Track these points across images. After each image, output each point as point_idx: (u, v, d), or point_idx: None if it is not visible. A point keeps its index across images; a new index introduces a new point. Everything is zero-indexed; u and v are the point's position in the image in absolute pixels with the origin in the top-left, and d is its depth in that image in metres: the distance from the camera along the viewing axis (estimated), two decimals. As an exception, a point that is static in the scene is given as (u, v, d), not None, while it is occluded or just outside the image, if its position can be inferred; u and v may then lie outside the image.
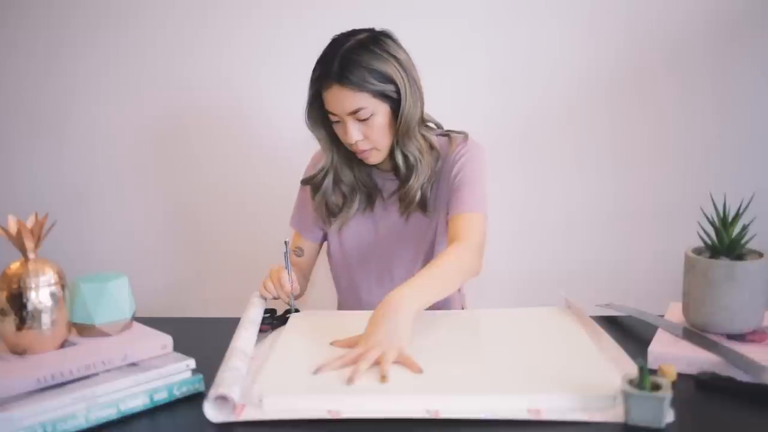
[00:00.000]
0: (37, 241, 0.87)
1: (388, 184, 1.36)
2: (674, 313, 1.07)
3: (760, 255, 0.97)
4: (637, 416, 0.76)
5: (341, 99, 1.20)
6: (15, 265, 0.85)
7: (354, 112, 1.20)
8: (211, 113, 1.84)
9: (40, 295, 0.84)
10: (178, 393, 0.86)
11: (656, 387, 0.77)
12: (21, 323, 0.83)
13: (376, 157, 1.28)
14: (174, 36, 1.80)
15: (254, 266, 1.91)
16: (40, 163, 1.88)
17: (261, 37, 1.79)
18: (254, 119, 1.84)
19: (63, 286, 0.86)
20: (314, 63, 1.23)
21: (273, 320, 1.13)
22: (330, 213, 1.36)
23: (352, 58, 1.19)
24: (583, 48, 1.76)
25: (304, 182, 1.39)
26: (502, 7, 1.74)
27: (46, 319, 0.84)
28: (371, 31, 1.25)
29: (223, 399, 0.80)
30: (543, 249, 1.83)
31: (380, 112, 1.22)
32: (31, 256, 0.86)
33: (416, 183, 1.29)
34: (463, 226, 1.23)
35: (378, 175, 1.36)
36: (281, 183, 1.85)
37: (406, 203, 1.31)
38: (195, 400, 0.85)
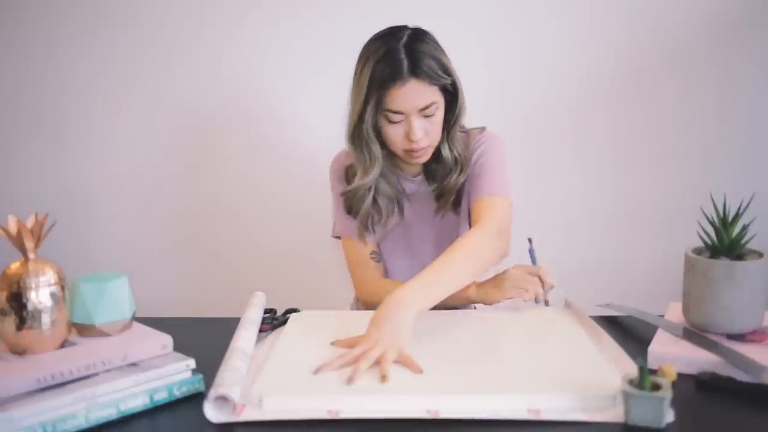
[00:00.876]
0: (37, 241, 0.87)
1: (412, 187, 1.35)
2: (674, 313, 1.07)
3: (760, 255, 0.97)
4: (637, 416, 0.76)
5: (416, 94, 1.15)
6: (15, 265, 0.85)
7: (425, 108, 1.17)
8: (210, 113, 1.84)
9: (40, 295, 0.84)
10: (178, 393, 0.86)
11: (656, 387, 0.77)
12: (21, 323, 0.83)
13: (427, 155, 1.25)
14: (173, 36, 1.80)
15: (254, 266, 1.91)
16: (40, 163, 1.88)
17: (260, 37, 1.79)
18: (254, 119, 1.84)
19: (63, 286, 0.86)
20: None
21: (273, 320, 1.13)
22: (368, 228, 1.32)
23: (420, 50, 1.15)
24: (583, 48, 1.76)
25: (348, 198, 1.31)
26: (502, 7, 1.74)
27: (46, 319, 0.84)
28: (409, 27, 1.22)
29: (223, 399, 0.80)
30: (543, 249, 1.82)
31: (441, 106, 1.21)
32: (31, 256, 0.86)
33: (461, 179, 1.28)
34: (483, 210, 1.22)
35: (404, 180, 1.35)
36: (281, 183, 1.86)
37: (444, 201, 1.30)
38: (195, 400, 0.85)
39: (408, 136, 1.19)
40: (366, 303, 1.35)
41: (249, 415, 0.80)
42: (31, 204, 1.67)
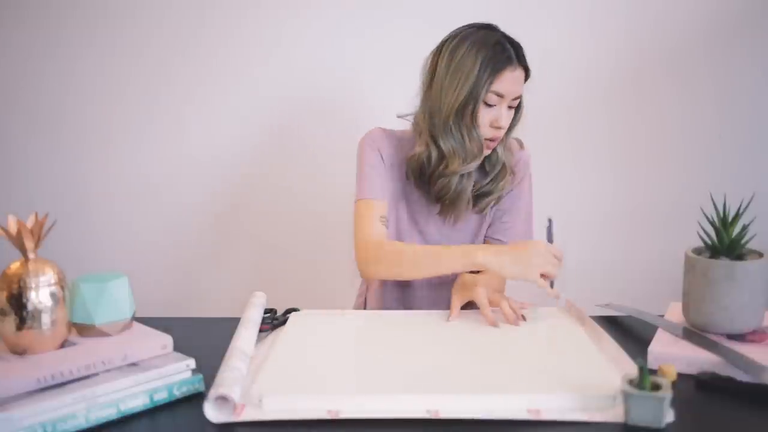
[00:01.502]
0: (37, 241, 0.87)
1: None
2: (674, 313, 1.07)
3: (760, 255, 0.97)
4: (637, 416, 0.76)
5: (518, 82, 1.24)
6: (15, 265, 0.85)
7: (517, 98, 1.26)
8: (210, 112, 1.84)
9: (40, 295, 0.84)
10: (178, 393, 0.86)
11: (656, 387, 0.77)
12: (21, 323, 0.83)
13: (490, 150, 1.29)
14: (171, 35, 1.80)
15: (254, 266, 1.91)
16: (40, 163, 1.88)
17: (259, 36, 1.79)
18: (253, 117, 1.84)
19: (63, 286, 0.86)
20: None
21: (273, 320, 1.13)
22: (451, 209, 1.32)
23: (519, 44, 1.26)
24: (583, 48, 1.76)
25: (451, 174, 1.27)
26: (501, 7, 1.74)
27: (46, 319, 0.84)
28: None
29: (223, 399, 0.80)
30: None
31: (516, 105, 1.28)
32: (31, 256, 0.86)
33: (506, 186, 1.33)
34: None
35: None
36: (283, 182, 1.86)
37: (485, 203, 1.33)
38: (195, 400, 0.85)
39: (495, 122, 1.24)
40: (362, 260, 1.27)
41: (249, 415, 0.80)
42: (31, 204, 1.67)
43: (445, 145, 1.25)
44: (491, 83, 1.21)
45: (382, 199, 1.31)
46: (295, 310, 1.18)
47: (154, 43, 1.81)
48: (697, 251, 1.01)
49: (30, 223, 0.87)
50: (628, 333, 1.08)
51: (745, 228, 0.98)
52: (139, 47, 1.81)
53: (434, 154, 1.27)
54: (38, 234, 0.87)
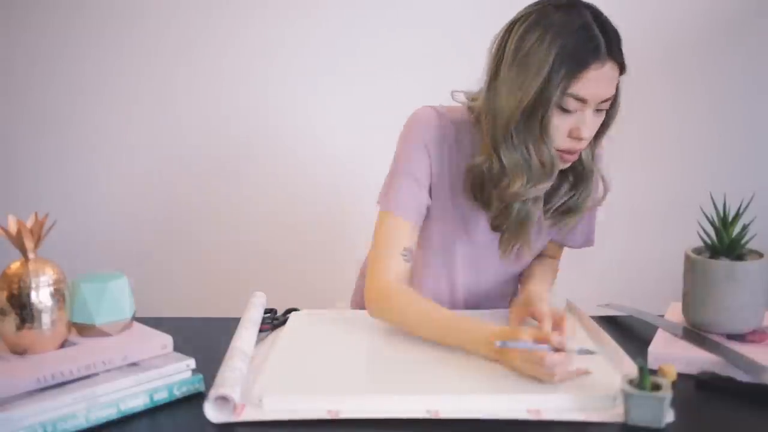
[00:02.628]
0: (37, 241, 0.87)
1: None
2: (674, 313, 1.07)
3: (760, 255, 0.97)
4: (637, 416, 0.76)
5: (607, 81, 0.97)
6: (15, 265, 0.85)
7: (606, 100, 0.98)
8: (213, 113, 1.84)
9: (40, 295, 0.83)
10: (178, 393, 0.86)
11: (656, 387, 0.77)
12: (21, 323, 0.83)
13: (573, 160, 1.03)
14: (178, 37, 1.80)
15: (254, 266, 1.91)
16: (43, 163, 1.88)
17: (266, 37, 1.79)
18: (256, 119, 1.84)
19: (63, 286, 0.86)
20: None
21: (273, 320, 1.13)
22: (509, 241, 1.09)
23: (612, 29, 0.97)
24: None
25: (515, 197, 1.02)
26: (500, 7, 1.74)
27: (46, 319, 0.84)
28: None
29: (223, 399, 0.80)
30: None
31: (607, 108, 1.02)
32: (31, 256, 0.86)
33: (596, 204, 1.11)
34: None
35: None
36: (283, 182, 1.86)
37: (569, 219, 1.10)
38: (195, 400, 0.85)
39: (575, 132, 0.98)
40: (369, 301, 1.08)
41: (249, 415, 0.80)
42: (31, 204, 1.67)
43: (507, 158, 0.99)
44: (568, 84, 0.94)
45: (414, 223, 1.08)
46: (295, 310, 1.18)
47: (159, 45, 1.81)
48: (697, 251, 1.01)
49: (30, 223, 0.87)
50: (628, 333, 1.08)
51: (745, 228, 0.98)
52: (143, 49, 1.81)
53: (496, 166, 1.01)
54: (38, 234, 0.87)
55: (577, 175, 1.07)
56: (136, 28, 1.80)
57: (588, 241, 1.23)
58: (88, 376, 0.82)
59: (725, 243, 0.98)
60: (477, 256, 1.15)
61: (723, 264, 0.95)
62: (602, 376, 0.86)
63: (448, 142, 1.08)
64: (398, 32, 1.71)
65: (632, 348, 0.96)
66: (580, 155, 1.04)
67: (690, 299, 0.99)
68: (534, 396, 0.82)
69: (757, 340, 0.95)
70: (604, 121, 1.03)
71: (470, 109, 1.09)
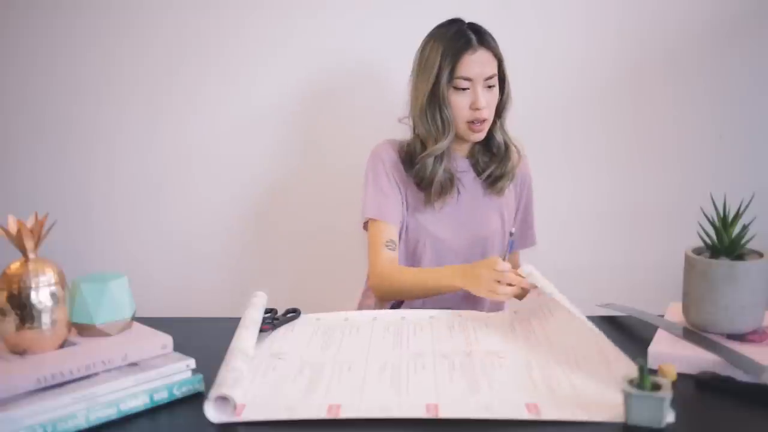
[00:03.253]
0: (37, 241, 0.87)
1: (462, 174, 1.45)
2: (674, 313, 1.07)
3: (760, 255, 0.97)
4: (637, 416, 0.76)
5: (483, 63, 1.35)
6: (15, 265, 0.85)
7: (489, 78, 1.36)
8: (212, 113, 1.84)
9: (40, 295, 0.84)
10: (178, 393, 0.86)
11: (656, 387, 0.77)
12: (21, 323, 0.83)
13: (484, 132, 1.39)
14: (176, 37, 1.80)
15: (254, 266, 1.91)
16: (42, 163, 1.88)
17: (265, 37, 1.79)
18: (256, 119, 1.83)
19: (63, 286, 0.86)
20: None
21: (273, 320, 1.13)
22: (437, 194, 1.41)
23: (482, 30, 1.38)
24: (582, 48, 1.76)
25: (426, 156, 1.39)
26: (499, 7, 1.74)
27: (46, 319, 0.84)
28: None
29: (223, 399, 0.80)
30: (542, 249, 1.83)
31: (496, 85, 1.38)
32: (31, 256, 0.86)
33: (515, 164, 1.44)
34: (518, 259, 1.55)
35: (456, 163, 1.45)
36: (283, 182, 1.86)
37: (500, 185, 1.44)
38: (195, 400, 0.85)
39: (473, 104, 1.35)
40: (375, 286, 1.40)
41: (249, 415, 0.80)
42: (31, 204, 1.67)
43: (421, 129, 1.40)
44: (454, 69, 1.33)
45: (391, 223, 1.41)
46: (295, 310, 1.18)
47: (159, 45, 1.81)
48: (697, 251, 1.01)
49: (30, 223, 0.87)
50: (628, 333, 1.08)
51: (745, 228, 0.98)
52: (144, 48, 1.81)
53: (417, 142, 1.41)
54: (38, 234, 0.87)
55: (498, 151, 1.44)
56: (135, 28, 1.80)
57: (531, 242, 1.57)
58: (88, 376, 0.82)
59: (725, 243, 0.98)
60: (440, 248, 1.45)
61: (723, 264, 0.95)
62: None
63: (399, 161, 1.44)
64: (400, 30, 1.71)
65: (632, 348, 0.96)
66: (494, 135, 1.42)
67: (690, 299, 0.99)
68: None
69: (757, 340, 0.95)
70: (501, 100, 1.41)
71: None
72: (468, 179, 1.46)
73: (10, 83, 1.85)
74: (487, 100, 1.35)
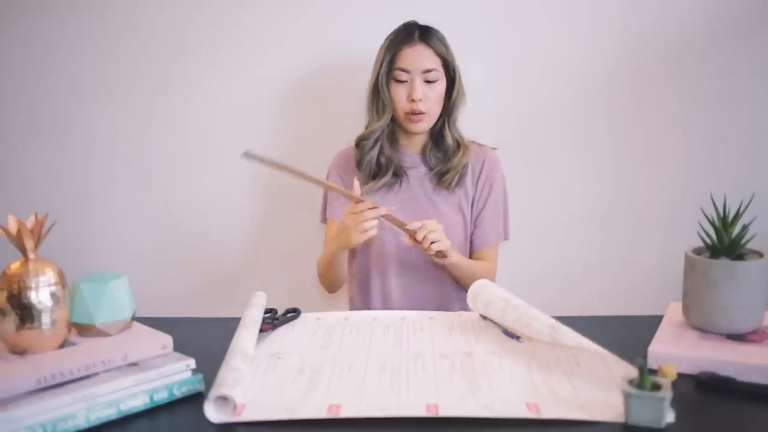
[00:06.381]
0: (37, 241, 0.87)
1: (410, 164, 1.50)
2: (674, 313, 1.07)
3: (760, 255, 0.97)
4: (637, 416, 0.76)
5: (421, 56, 1.40)
6: (15, 265, 0.85)
7: (427, 71, 1.41)
8: (211, 114, 1.84)
9: (40, 295, 0.84)
10: (178, 393, 0.86)
11: (656, 387, 0.77)
12: (21, 323, 0.83)
13: (424, 125, 1.44)
14: (174, 36, 1.80)
15: (254, 266, 1.91)
16: (41, 163, 1.88)
17: (261, 35, 1.79)
18: (255, 120, 1.84)
19: (63, 286, 0.86)
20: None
21: (273, 320, 1.13)
22: (368, 176, 1.48)
23: (431, 30, 1.44)
24: (583, 48, 1.76)
25: (360, 139, 1.49)
26: (499, 7, 1.74)
27: (46, 319, 0.84)
28: None
29: (223, 399, 0.80)
30: (543, 250, 1.83)
31: (441, 81, 1.43)
32: (31, 256, 0.86)
33: (462, 160, 1.47)
34: (492, 256, 1.53)
35: (404, 157, 1.51)
36: (282, 182, 1.86)
37: (448, 180, 1.46)
38: (195, 400, 0.85)
39: (410, 96, 1.41)
40: (320, 274, 1.53)
41: (249, 415, 0.80)
42: (31, 204, 1.67)
43: (369, 118, 1.49)
44: (393, 61, 1.42)
45: (338, 220, 1.47)
46: (295, 310, 1.18)
47: (157, 45, 1.81)
48: (697, 251, 1.01)
49: (30, 223, 0.87)
50: (629, 333, 1.08)
51: (745, 228, 0.98)
52: (142, 47, 1.81)
53: (367, 131, 1.49)
54: (38, 234, 0.87)
55: (448, 149, 1.48)
56: (132, 28, 1.80)
57: (504, 236, 1.57)
58: (88, 376, 0.82)
59: (725, 243, 0.98)
60: (390, 239, 1.49)
61: (723, 264, 0.95)
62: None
63: (353, 161, 1.52)
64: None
65: (632, 348, 0.96)
66: (444, 133, 1.47)
67: (690, 299, 0.99)
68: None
69: (757, 340, 0.95)
70: (451, 100, 1.46)
71: None
72: (419, 173, 1.50)
73: (8, 83, 1.85)
74: (426, 94, 1.41)
